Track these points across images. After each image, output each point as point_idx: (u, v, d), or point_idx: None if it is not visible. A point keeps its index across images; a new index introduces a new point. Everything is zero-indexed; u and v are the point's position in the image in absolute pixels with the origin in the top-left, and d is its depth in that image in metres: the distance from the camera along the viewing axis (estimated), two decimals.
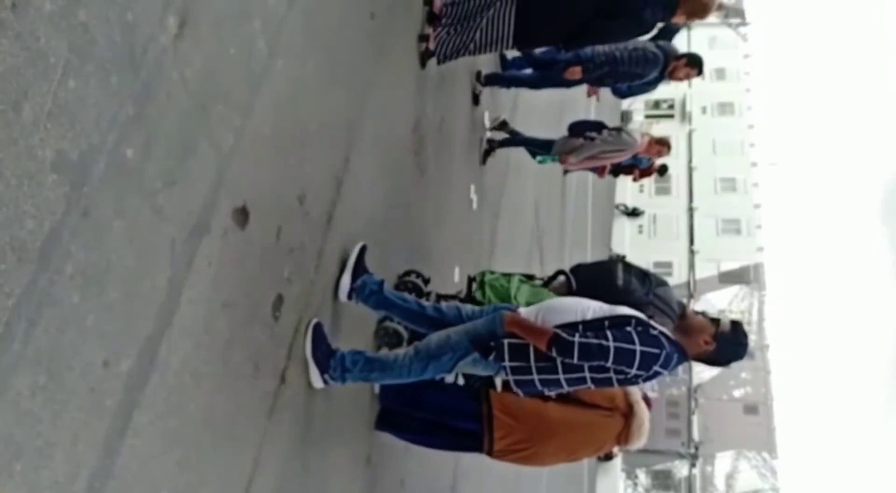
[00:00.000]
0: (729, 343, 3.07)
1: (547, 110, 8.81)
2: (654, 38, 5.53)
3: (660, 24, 4.65)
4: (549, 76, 5.91)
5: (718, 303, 35.80)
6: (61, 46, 1.62)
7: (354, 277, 3.34)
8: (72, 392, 1.73)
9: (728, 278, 38.18)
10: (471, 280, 4.44)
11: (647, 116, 39.79)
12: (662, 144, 6.31)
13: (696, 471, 36.48)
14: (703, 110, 42.01)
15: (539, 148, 6.57)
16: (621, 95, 6.91)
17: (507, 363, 3.00)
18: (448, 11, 4.41)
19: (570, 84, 5.98)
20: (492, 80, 6.13)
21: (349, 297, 3.36)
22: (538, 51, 6.03)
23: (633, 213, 37.92)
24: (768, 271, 40.16)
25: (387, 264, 3.90)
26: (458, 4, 4.37)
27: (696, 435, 36.02)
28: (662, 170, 8.79)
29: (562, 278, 4.35)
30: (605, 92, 7.22)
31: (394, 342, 3.84)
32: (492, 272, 4.41)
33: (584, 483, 19.32)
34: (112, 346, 1.86)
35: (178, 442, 2.18)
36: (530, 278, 4.41)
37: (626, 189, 34.83)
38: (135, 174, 1.90)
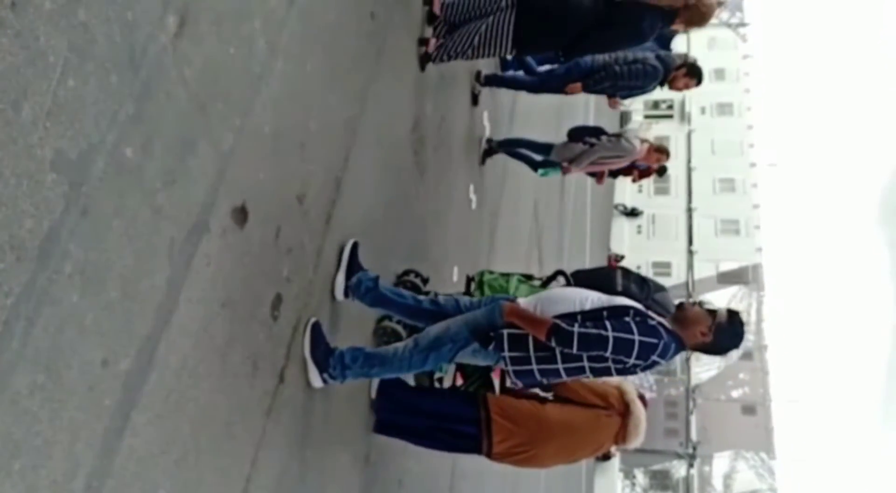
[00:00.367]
0: (726, 333, 3.10)
1: (546, 113, 8.81)
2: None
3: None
4: (548, 82, 5.91)
5: (717, 303, 35.84)
6: (61, 45, 1.62)
7: (349, 274, 3.34)
8: (70, 391, 1.73)
9: (727, 279, 38.19)
10: (469, 280, 4.44)
11: (647, 117, 39.78)
12: (661, 152, 6.32)
13: (693, 471, 36.50)
14: (703, 111, 42.01)
15: (538, 151, 6.58)
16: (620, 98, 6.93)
17: (506, 354, 3.02)
18: (448, 12, 4.41)
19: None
20: (491, 80, 6.13)
21: (345, 295, 3.36)
22: (537, 58, 6.04)
23: (632, 213, 37.93)
24: (767, 271, 40.22)
25: (386, 263, 3.90)
26: (457, 7, 4.37)
27: (694, 435, 36.04)
28: (661, 170, 8.78)
29: (561, 278, 4.36)
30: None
31: (393, 342, 3.84)
32: (490, 272, 4.41)
33: (582, 483, 19.33)
34: (111, 345, 1.86)
35: (176, 442, 2.18)
36: (529, 277, 4.41)
37: (625, 189, 34.85)
38: (134, 173, 1.90)
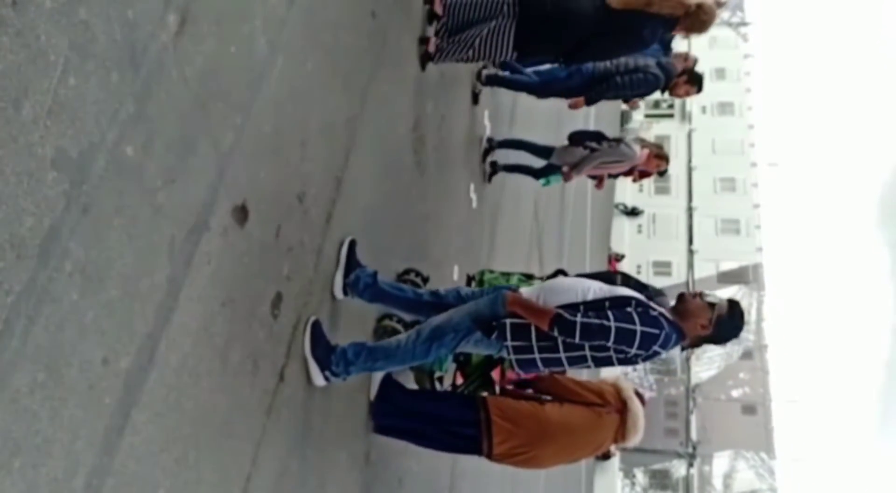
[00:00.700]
0: (726, 325, 3.12)
1: (547, 115, 8.81)
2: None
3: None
4: (550, 86, 5.92)
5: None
6: (62, 44, 1.62)
7: (347, 272, 3.35)
8: (71, 390, 1.73)
9: (727, 278, 38.18)
10: (470, 279, 4.45)
11: (647, 116, 39.79)
12: (661, 158, 6.32)
13: (693, 471, 36.52)
14: (703, 110, 42.02)
15: (538, 154, 6.58)
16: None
17: (509, 343, 3.04)
18: (450, 13, 4.41)
19: (570, 95, 6.00)
20: (492, 80, 6.12)
21: (344, 293, 3.36)
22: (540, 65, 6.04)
23: (633, 212, 37.96)
24: (767, 271, 40.22)
25: (386, 262, 3.90)
26: (459, 10, 4.37)
27: (694, 435, 36.06)
28: (662, 171, 8.79)
29: (561, 277, 4.36)
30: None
31: None
32: (491, 271, 4.42)
33: (582, 482, 19.33)
34: (111, 343, 1.86)
35: (176, 440, 2.18)
36: (529, 277, 4.42)
37: (626, 188, 34.85)
38: (135, 172, 1.90)
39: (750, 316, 38.10)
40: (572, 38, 4.26)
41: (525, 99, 6.97)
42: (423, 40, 4.48)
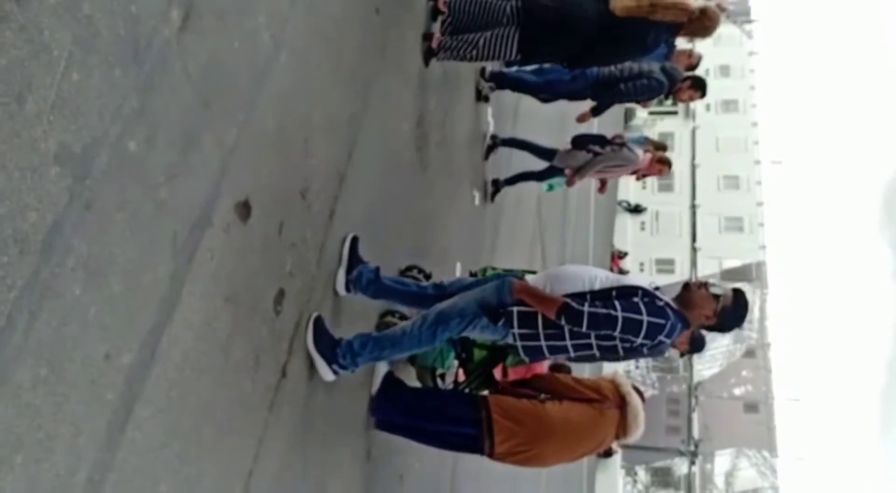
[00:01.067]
0: (730, 316, 3.15)
1: (550, 115, 8.78)
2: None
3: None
4: (554, 88, 5.92)
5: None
6: (65, 39, 1.61)
7: (350, 269, 3.35)
8: (73, 385, 1.73)
9: (730, 276, 38.11)
10: (472, 276, 4.43)
11: (651, 113, 39.69)
12: (663, 163, 6.33)
13: (695, 469, 36.52)
14: (707, 107, 41.92)
15: (541, 156, 6.58)
16: None
17: (515, 330, 3.07)
18: (454, 13, 4.40)
19: (574, 98, 6.02)
20: (497, 78, 6.11)
21: (347, 289, 3.37)
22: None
23: (636, 209, 37.93)
24: (770, 269, 40.18)
25: (388, 259, 3.90)
26: (463, 10, 4.36)
27: (696, 433, 36.05)
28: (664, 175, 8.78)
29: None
30: None
31: None
32: (493, 268, 4.42)
33: (584, 480, 19.34)
34: (113, 339, 1.86)
35: (178, 436, 2.18)
36: (532, 273, 4.41)
37: (629, 186, 34.82)
38: (137, 167, 1.90)
39: (753, 314, 38.08)
40: (576, 45, 4.28)
41: (527, 102, 6.97)
42: (427, 36, 4.47)
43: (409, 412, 3.70)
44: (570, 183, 6.51)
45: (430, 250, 4.85)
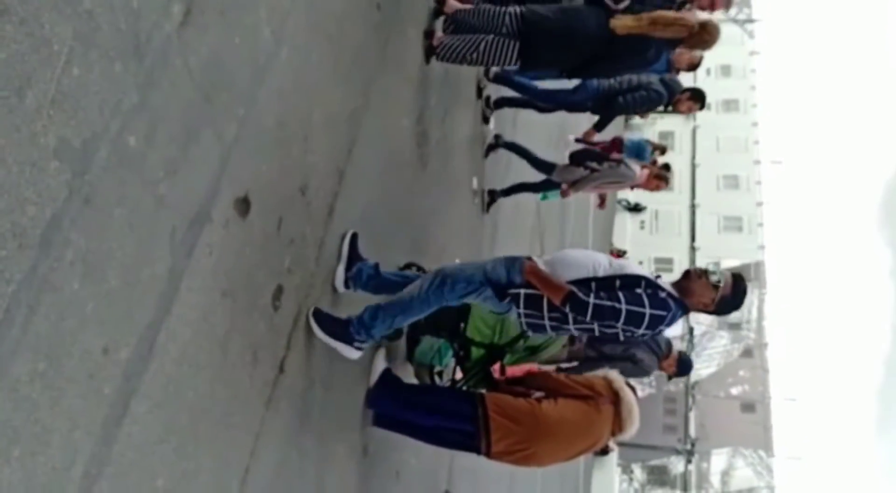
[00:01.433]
0: (729, 303, 3.19)
1: (548, 128, 8.77)
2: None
3: None
4: (555, 98, 5.93)
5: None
6: (66, 33, 1.61)
7: (349, 265, 3.37)
8: (70, 379, 1.73)
9: None
10: None
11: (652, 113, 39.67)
12: (661, 179, 6.34)
13: (691, 467, 36.60)
14: (708, 107, 41.75)
15: (539, 168, 6.59)
16: None
17: (521, 310, 3.12)
18: (457, 20, 4.39)
19: (573, 109, 6.03)
20: (499, 78, 6.10)
21: (346, 286, 3.37)
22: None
23: (635, 208, 37.88)
24: (769, 269, 40.22)
25: (387, 256, 3.90)
26: (466, 20, 4.36)
27: (692, 432, 36.12)
28: (665, 168, 8.78)
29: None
30: None
31: (393, 336, 3.86)
32: None
33: (580, 478, 19.37)
34: (111, 333, 1.86)
35: (175, 430, 2.18)
36: None
37: None
38: (137, 162, 1.90)
39: (751, 315, 38.13)
40: (577, 58, 4.31)
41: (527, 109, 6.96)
42: (428, 34, 4.47)
43: (406, 406, 3.71)
44: (564, 195, 6.56)
45: (429, 247, 4.85)
